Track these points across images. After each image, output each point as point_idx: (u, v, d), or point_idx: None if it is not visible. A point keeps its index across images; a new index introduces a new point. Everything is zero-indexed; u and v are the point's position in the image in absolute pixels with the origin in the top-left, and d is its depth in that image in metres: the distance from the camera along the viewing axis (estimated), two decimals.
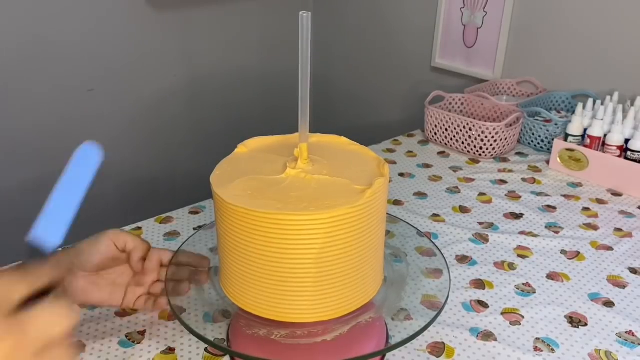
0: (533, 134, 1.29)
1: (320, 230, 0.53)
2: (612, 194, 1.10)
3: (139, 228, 0.95)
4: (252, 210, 0.53)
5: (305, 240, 0.53)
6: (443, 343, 0.70)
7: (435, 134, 1.33)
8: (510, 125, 1.24)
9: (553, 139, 1.20)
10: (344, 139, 0.69)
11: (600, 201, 1.07)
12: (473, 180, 1.16)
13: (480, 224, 0.98)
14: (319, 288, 0.56)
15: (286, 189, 0.58)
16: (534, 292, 0.80)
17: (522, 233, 0.95)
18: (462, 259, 0.88)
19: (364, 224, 0.56)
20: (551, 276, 0.84)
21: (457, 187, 1.12)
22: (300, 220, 0.53)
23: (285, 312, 0.57)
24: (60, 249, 0.88)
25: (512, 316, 0.75)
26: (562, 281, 0.83)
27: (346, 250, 0.55)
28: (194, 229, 0.95)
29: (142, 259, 0.67)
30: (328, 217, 0.53)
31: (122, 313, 0.74)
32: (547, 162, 1.23)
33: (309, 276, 0.55)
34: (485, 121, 1.28)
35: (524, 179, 1.16)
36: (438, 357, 0.68)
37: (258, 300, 0.58)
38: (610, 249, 0.91)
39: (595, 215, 1.02)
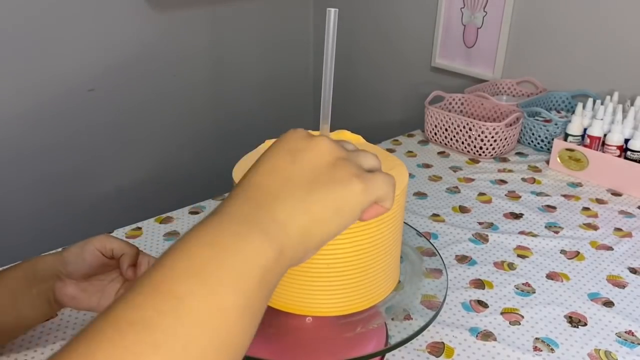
0: (533, 134, 1.29)
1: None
2: (612, 194, 1.10)
3: (139, 228, 0.95)
4: None
5: None
6: (443, 343, 0.70)
7: (435, 134, 1.33)
8: (510, 125, 1.24)
9: (553, 139, 1.20)
10: (355, 137, 0.68)
11: (600, 201, 1.07)
12: (473, 180, 1.16)
13: (480, 223, 0.98)
14: (334, 282, 0.55)
15: None
16: (534, 292, 0.80)
17: (522, 233, 0.95)
18: (462, 259, 0.88)
19: (392, 219, 0.56)
20: (551, 276, 0.84)
21: (457, 187, 1.12)
22: None
23: (295, 304, 0.57)
24: (54, 251, 0.88)
25: (512, 316, 0.75)
26: (562, 281, 0.83)
27: (372, 243, 0.55)
28: None
29: (132, 265, 0.64)
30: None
31: None
32: (547, 162, 1.23)
33: (325, 269, 0.54)
34: (485, 121, 1.28)
35: (523, 179, 1.16)
36: (438, 357, 0.68)
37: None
38: (610, 248, 0.92)
39: (595, 215, 1.02)
